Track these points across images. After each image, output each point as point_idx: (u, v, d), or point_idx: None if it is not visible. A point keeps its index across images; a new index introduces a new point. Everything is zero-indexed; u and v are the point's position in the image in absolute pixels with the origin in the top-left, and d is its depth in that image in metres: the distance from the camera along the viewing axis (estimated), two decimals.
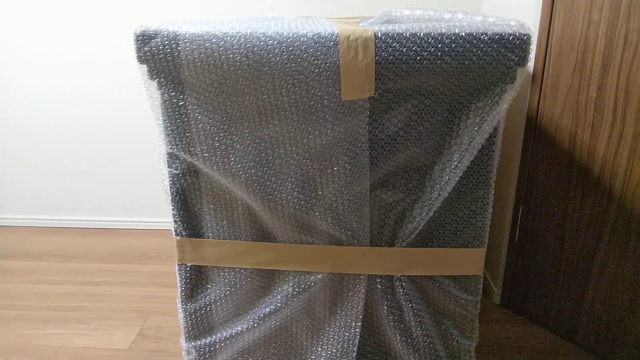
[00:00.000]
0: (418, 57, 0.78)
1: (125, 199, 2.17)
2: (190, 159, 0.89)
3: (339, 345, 1.01)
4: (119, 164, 2.11)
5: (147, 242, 2.11)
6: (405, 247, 0.96)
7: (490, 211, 0.94)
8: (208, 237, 0.97)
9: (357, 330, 0.99)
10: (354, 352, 1.00)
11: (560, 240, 1.39)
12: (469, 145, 0.85)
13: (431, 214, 0.92)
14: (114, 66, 1.94)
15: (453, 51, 0.78)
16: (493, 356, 1.38)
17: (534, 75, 1.36)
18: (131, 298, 1.67)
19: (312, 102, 0.82)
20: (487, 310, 1.61)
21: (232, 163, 0.87)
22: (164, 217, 2.17)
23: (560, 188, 1.35)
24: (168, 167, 0.92)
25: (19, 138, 2.09)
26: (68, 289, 1.73)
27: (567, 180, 1.33)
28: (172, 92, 0.84)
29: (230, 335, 1.02)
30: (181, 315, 1.02)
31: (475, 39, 0.77)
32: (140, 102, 2.00)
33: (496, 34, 0.77)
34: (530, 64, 1.36)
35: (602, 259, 1.29)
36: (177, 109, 0.85)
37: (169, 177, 0.93)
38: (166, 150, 0.90)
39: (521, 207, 1.47)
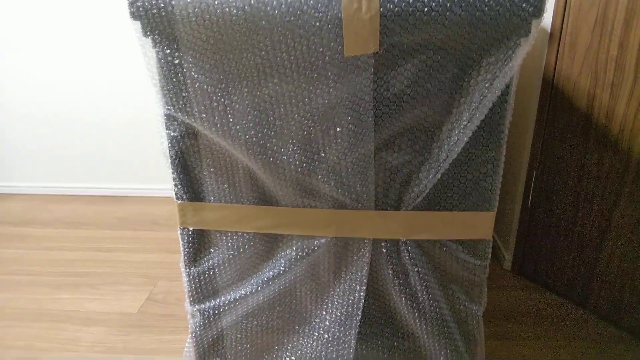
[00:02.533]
0: (426, 9, 0.73)
1: (136, 167, 2.17)
2: (188, 120, 0.86)
3: (344, 309, 1.00)
4: (129, 131, 2.10)
5: (156, 209, 2.11)
6: (411, 210, 0.93)
7: (501, 173, 0.91)
8: (209, 201, 0.95)
9: (362, 293, 0.98)
10: (359, 315, 0.99)
11: (575, 205, 1.35)
12: (480, 104, 0.81)
13: (439, 176, 0.88)
14: (115, 32, 1.90)
15: (463, 2, 0.73)
16: (503, 322, 1.37)
17: (551, 34, 1.29)
18: (140, 264, 1.69)
19: (313, 59, 0.78)
20: (497, 277, 1.59)
21: (230, 124, 0.84)
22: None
23: (577, 151, 1.30)
24: (166, 129, 0.89)
25: (28, 107, 2.08)
26: (79, 255, 1.75)
27: (584, 143, 1.28)
28: (167, 49, 0.80)
29: (234, 299, 1.02)
30: (185, 278, 1.02)
31: None
32: (143, 67, 1.97)
33: None
34: (548, 22, 1.29)
35: (618, 224, 1.25)
36: (172, 68, 0.82)
37: (168, 139, 0.90)
38: (163, 112, 0.87)
39: (535, 170, 1.43)
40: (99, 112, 2.07)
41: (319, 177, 0.89)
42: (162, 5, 0.76)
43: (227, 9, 0.75)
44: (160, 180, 2.18)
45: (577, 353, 1.25)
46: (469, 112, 0.82)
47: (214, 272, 1.01)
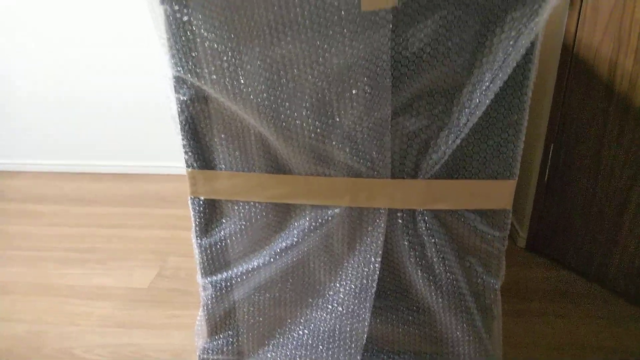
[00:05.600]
0: None
1: (143, 144, 2.15)
2: (197, 83, 0.83)
3: (358, 281, 0.97)
4: (137, 107, 2.07)
5: (165, 186, 2.09)
6: (429, 179, 0.89)
7: (523, 139, 0.87)
8: (221, 169, 0.92)
9: (377, 265, 0.95)
10: (373, 287, 0.96)
11: (593, 179, 1.31)
12: (503, 63, 0.77)
13: (458, 142, 0.85)
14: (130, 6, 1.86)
15: None
16: (518, 299, 1.34)
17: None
18: (150, 240, 1.67)
19: (328, 14, 0.74)
20: (511, 254, 1.55)
21: (242, 86, 0.81)
22: (182, 161, 2.14)
23: (596, 123, 1.26)
24: (175, 93, 0.86)
25: (35, 85, 2.06)
26: (87, 231, 1.73)
27: (604, 115, 1.23)
28: (175, 5, 0.77)
29: (246, 271, 0.99)
30: (196, 250, 0.99)
31: None
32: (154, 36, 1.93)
33: None
34: None
35: (638, 200, 1.21)
36: (181, 26, 0.78)
37: (177, 104, 0.87)
38: (172, 74, 0.83)
39: (553, 143, 1.38)
40: (105, 89, 2.04)
41: (334, 143, 0.86)
42: None
43: None
44: (167, 157, 2.16)
45: (596, 331, 1.22)
46: (491, 72, 0.78)
47: (225, 243, 0.98)
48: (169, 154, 2.15)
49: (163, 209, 1.88)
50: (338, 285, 0.99)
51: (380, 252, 0.95)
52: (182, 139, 0.90)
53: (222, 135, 0.90)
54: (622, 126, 1.20)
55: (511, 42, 0.76)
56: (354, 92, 0.81)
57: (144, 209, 1.89)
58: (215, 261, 1.00)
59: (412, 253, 0.96)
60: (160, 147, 2.13)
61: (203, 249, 0.99)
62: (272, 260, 0.97)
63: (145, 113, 2.06)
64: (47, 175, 2.21)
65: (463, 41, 0.77)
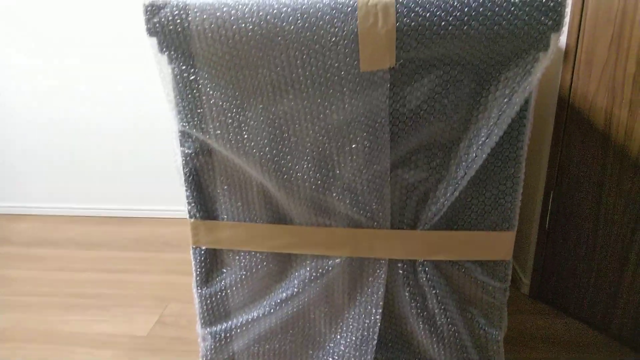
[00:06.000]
0: (443, 23, 0.73)
1: (148, 188, 2.17)
2: (202, 137, 0.86)
3: (359, 333, 0.96)
4: (141, 152, 2.11)
5: (169, 230, 2.10)
6: (428, 230, 0.90)
7: (521, 191, 0.88)
8: (223, 220, 0.94)
9: (378, 317, 0.95)
10: (374, 340, 0.96)
11: (594, 227, 1.31)
12: (498, 119, 0.79)
13: (456, 194, 0.86)
14: (126, 52, 1.93)
15: (481, 15, 0.72)
16: (522, 347, 1.32)
17: (566, 51, 1.28)
18: (151, 285, 1.66)
19: (328, 74, 0.77)
20: (515, 301, 1.54)
21: (245, 141, 0.84)
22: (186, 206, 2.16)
23: (595, 171, 1.27)
24: (180, 146, 0.88)
25: (41, 129, 2.11)
26: (89, 276, 1.73)
27: (602, 163, 1.25)
28: (182, 65, 0.80)
29: (246, 321, 0.99)
30: (197, 300, 1.00)
31: (505, 2, 0.71)
32: (158, 84, 1.98)
33: None
34: (563, 38, 1.28)
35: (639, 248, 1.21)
36: (188, 84, 0.82)
37: (182, 156, 0.89)
38: (178, 128, 0.86)
39: (552, 191, 1.40)
40: (110, 134, 2.08)
41: (334, 194, 0.88)
42: (178, 21, 0.76)
43: (243, 25, 0.75)
44: (172, 201, 2.18)
45: None
46: (487, 128, 0.81)
47: (226, 294, 0.99)
48: (173, 198, 2.17)
49: (166, 253, 1.89)
50: (339, 337, 0.99)
51: (381, 303, 0.95)
52: (186, 190, 0.92)
53: (225, 187, 0.91)
54: (620, 174, 1.21)
55: (505, 100, 0.78)
56: (353, 146, 0.83)
57: (147, 254, 1.89)
58: (215, 311, 1.00)
59: (413, 304, 0.95)
60: (164, 191, 2.16)
61: (203, 298, 0.99)
62: (272, 310, 0.97)
63: (150, 157, 2.10)
64: (52, 219, 2.23)
65: (459, 99, 0.80)
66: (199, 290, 0.99)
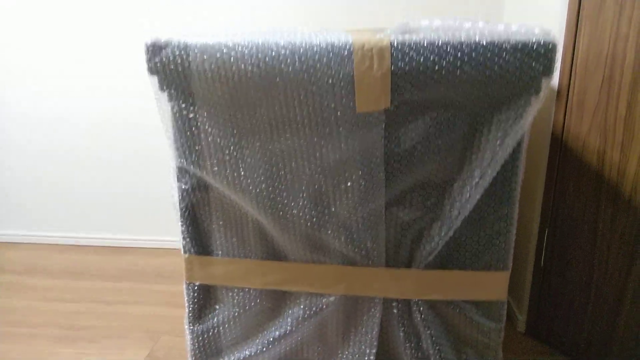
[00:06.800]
0: (436, 67, 0.75)
1: (142, 218, 2.17)
2: (199, 174, 0.86)
3: None
4: (135, 182, 2.11)
5: (162, 261, 2.08)
6: (423, 269, 0.90)
7: (514, 231, 0.89)
8: (217, 255, 0.94)
9: (372, 357, 0.93)
10: None
11: (590, 265, 1.31)
12: (491, 161, 0.81)
13: (451, 233, 0.87)
14: (125, 82, 1.95)
15: (473, 60, 0.74)
16: None
17: (558, 92, 1.31)
18: (143, 318, 1.64)
19: (325, 115, 0.79)
20: (511, 339, 1.52)
21: (242, 178, 0.84)
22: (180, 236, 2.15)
23: (589, 210, 1.28)
24: (177, 181, 0.89)
25: (36, 158, 2.11)
26: (81, 307, 1.71)
27: (596, 202, 1.26)
28: (182, 103, 0.82)
29: None
30: (188, 337, 0.98)
31: (497, 48, 0.74)
32: (156, 118, 2.00)
33: (519, 42, 0.73)
34: (555, 81, 1.31)
35: (635, 285, 1.21)
36: (187, 122, 0.83)
37: (179, 192, 0.90)
38: (176, 165, 0.87)
39: (547, 229, 1.40)
40: (103, 164, 2.09)
41: (329, 232, 0.88)
42: (179, 61, 0.78)
43: (242, 65, 0.77)
44: (166, 232, 2.17)
45: None
46: (480, 169, 0.82)
47: (218, 331, 0.97)
48: (167, 228, 2.16)
49: (159, 285, 1.87)
50: None
51: (375, 342, 0.94)
52: (181, 225, 0.92)
53: (221, 222, 0.92)
54: (613, 214, 1.22)
55: (498, 142, 0.80)
56: (348, 184, 0.84)
57: (140, 285, 1.87)
58: (207, 349, 0.99)
59: (407, 344, 0.94)
60: (158, 221, 2.15)
61: (195, 335, 0.98)
62: (264, 349, 0.96)
63: (145, 187, 2.10)
64: (45, 247, 2.21)
65: (452, 140, 0.81)
66: (191, 327, 0.98)
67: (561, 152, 1.33)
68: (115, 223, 2.19)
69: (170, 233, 2.18)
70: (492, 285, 0.91)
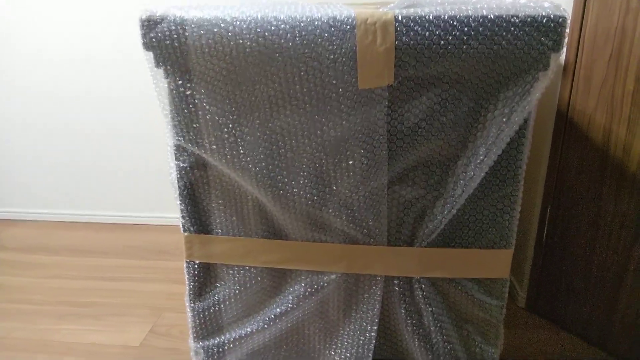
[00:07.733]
0: (442, 42, 0.72)
1: (146, 194, 2.16)
2: (198, 151, 0.85)
3: (353, 350, 0.95)
4: (138, 158, 2.10)
5: (165, 238, 2.09)
6: (425, 247, 0.90)
7: (519, 210, 0.88)
8: (217, 234, 0.93)
9: (373, 334, 0.94)
10: (369, 357, 0.95)
11: (592, 242, 1.30)
12: (497, 138, 0.79)
13: (454, 211, 0.86)
14: (124, 58, 1.92)
15: (480, 35, 0.72)
16: None
17: (565, 67, 1.28)
18: (146, 294, 1.65)
19: (326, 91, 0.77)
20: (511, 314, 1.53)
21: (241, 156, 0.83)
22: None
23: (593, 187, 1.27)
24: (175, 160, 0.88)
25: (37, 135, 2.10)
26: (84, 284, 1.72)
27: (600, 179, 1.25)
28: (179, 80, 0.80)
29: (239, 336, 0.98)
30: (189, 314, 0.99)
31: (505, 22, 0.71)
32: None
33: (528, 16, 0.71)
34: (562, 55, 1.28)
35: (638, 262, 1.21)
36: (184, 99, 0.81)
37: (177, 170, 0.89)
38: (173, 142, 0.86)
39: (550, 206, 1.39)
40: (107, 140, 2.07)
41: (330, 210, 0.87)
42: (175, 36, 0.76)
43: (240, 41, 0.74)
44: (170, 209, 2.16)
45: None
46: (485, 146, 0.80)
47: (219, 308, 0.98)
48: (171, 205, 2.16)
49: (162, 261, 1.87)
50: (333, 353, 0.98)
51: (376, 319, 0.94)
52: (180, 204, 0.91)
53: (220, 201, 0.91)
54: (618, 190, 1.21)
55: (504, 119, 0.78)
56: (350, 162, 0.83)
57: (143, 261, 1.87)
58: (208, 326, 0.99)
59: (409, 321, 0.95)
60: (162, 198, 2.14)
61: (196, 312, 0.98)
62: (266, 326, 0.96)
63: (146, 163, 2.09)
64: (47, 225, 2.21)
65: (457, 117, 0.79)
66: (192, 304, 0.98)
67: (566, 128, 1.30)
68: (119, 200, 2.19)
69: (174, 210, 2.17)
70: (495, 264, 0.90)
